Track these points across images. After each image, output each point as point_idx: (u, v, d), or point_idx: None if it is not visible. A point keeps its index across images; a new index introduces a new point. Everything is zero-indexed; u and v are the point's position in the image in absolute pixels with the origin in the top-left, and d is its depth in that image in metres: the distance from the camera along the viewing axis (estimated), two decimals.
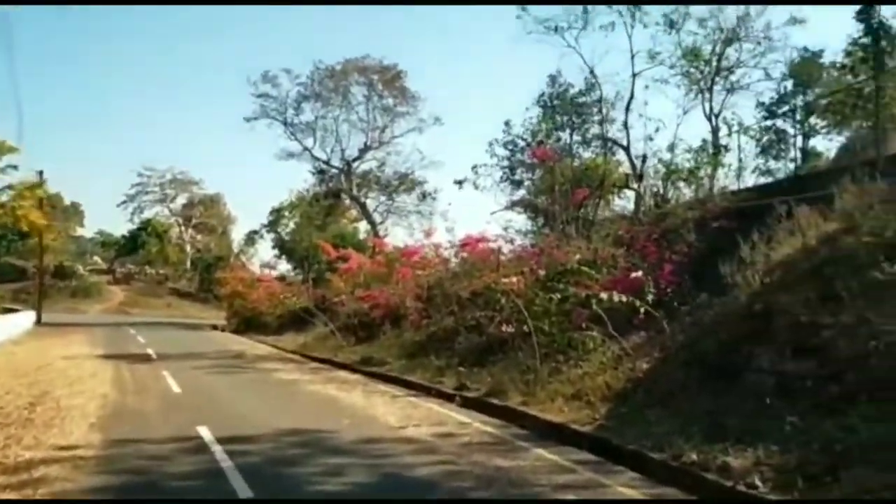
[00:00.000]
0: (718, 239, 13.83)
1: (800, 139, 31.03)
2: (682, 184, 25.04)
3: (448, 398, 12.84)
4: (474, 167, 38.99)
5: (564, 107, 38.07)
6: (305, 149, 44.41)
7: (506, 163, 40.35)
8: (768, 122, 31.74)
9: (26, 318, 35.06)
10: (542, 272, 15.34)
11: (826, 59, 31.32)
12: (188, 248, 64.98)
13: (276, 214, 50.92)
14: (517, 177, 40.36)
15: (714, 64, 31.74)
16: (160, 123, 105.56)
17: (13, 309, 37.30)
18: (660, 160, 26.51)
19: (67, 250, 61.46)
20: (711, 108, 32.45)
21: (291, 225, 50.16)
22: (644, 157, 27.27)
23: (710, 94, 32.07)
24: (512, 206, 35.79)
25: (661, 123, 28.26)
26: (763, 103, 33.31)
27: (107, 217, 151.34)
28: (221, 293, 44.20)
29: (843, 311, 7.10)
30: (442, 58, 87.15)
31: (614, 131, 32.69)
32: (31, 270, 50.51)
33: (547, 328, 13.15)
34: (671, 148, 27.23)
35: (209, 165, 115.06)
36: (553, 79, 38.81)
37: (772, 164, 31.41)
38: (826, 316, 7.25)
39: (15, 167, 19.59)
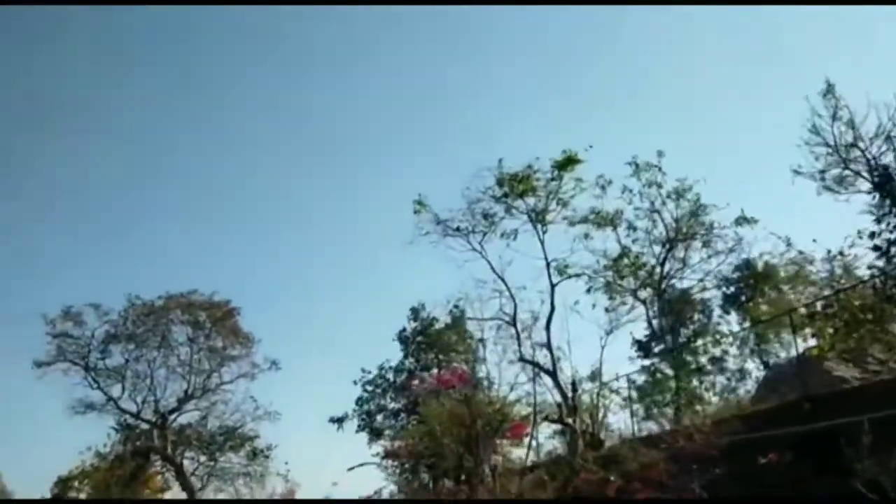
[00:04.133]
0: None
1: None
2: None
3: None
4: (360, 399, 33.75)
5: (432, 341, 35.49)
6: (110, 399, 35.79)
7: (365, 407, 35.72)
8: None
9: None
10: None
11: None
12: None
13: (63, 485, 39.52)
14: (377, 424, 35.62)
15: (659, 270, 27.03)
16: None
17: None
18: (609, 386, 23.26)
19: None
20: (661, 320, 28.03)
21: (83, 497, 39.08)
22: (574, 385, 23.08)
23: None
24: (385, 457, 30.49)
25: (561, 352, 25.78)
26: None
27: None
28: None
29: None
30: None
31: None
32: None
33: None
34: (595, 375, 24.47)
35: None
36: (415, 312, 36.57)
37: None
38: None
39: None
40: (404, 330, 35.76)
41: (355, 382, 34.78)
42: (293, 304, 60.65)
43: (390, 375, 35.03)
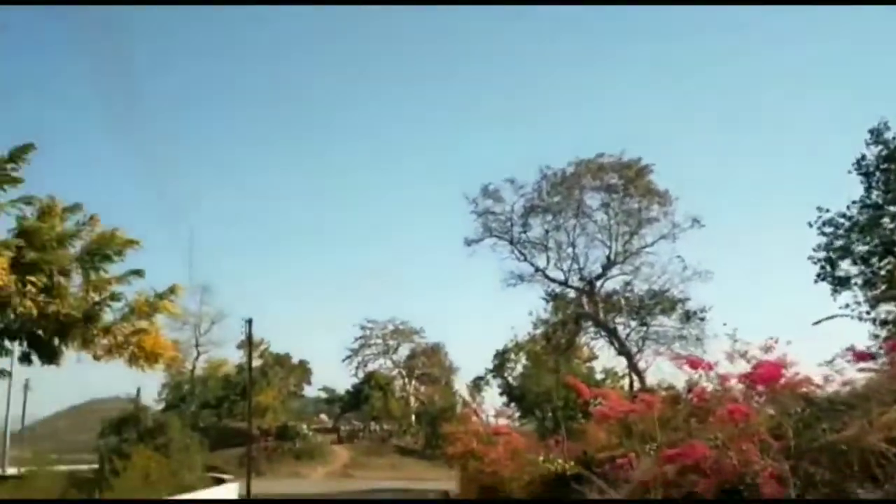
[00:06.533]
0: None
1: None
2: None
3: None
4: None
5: None
6: (537, 269, 36.29)
7: (822, 254, 30.68)
8: None
9: (227, 492, 26.64)
10: None
11: None
12: (412, 400, 57.93)
13: (502, 358, 42.92)
14: (841, 272, 30.28)
15: None
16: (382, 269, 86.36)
17: (221, 479, 29.94)
18: None
19: (290, 409, 58.46)
20: None
21: (519, 368, 42.09)
22: None
23: None
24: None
25: None
26: None
27: (332, 374, 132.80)
28: (450, 451, 35.04)
29: None
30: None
31: None
32: (256, 433, 46.70)
33: None
34: None
35: (428, 311, 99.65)
36: (876, 133, 29.92)
37: None
38: None
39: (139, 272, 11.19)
40: (863, 158, 29.32)
41: (810, 224, 29.64)
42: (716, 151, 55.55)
43: (854, 212, 29.15)
